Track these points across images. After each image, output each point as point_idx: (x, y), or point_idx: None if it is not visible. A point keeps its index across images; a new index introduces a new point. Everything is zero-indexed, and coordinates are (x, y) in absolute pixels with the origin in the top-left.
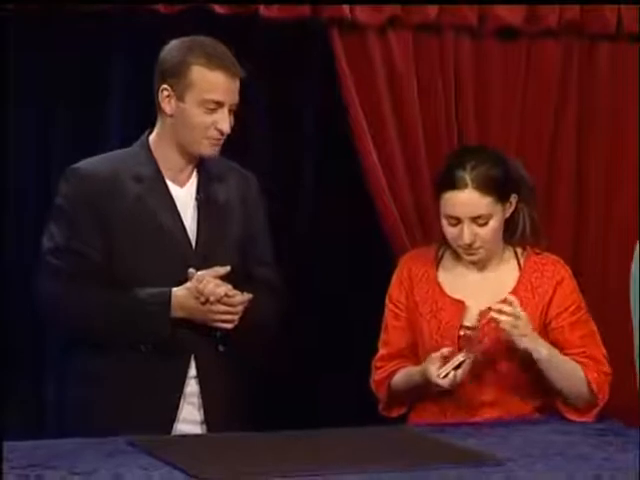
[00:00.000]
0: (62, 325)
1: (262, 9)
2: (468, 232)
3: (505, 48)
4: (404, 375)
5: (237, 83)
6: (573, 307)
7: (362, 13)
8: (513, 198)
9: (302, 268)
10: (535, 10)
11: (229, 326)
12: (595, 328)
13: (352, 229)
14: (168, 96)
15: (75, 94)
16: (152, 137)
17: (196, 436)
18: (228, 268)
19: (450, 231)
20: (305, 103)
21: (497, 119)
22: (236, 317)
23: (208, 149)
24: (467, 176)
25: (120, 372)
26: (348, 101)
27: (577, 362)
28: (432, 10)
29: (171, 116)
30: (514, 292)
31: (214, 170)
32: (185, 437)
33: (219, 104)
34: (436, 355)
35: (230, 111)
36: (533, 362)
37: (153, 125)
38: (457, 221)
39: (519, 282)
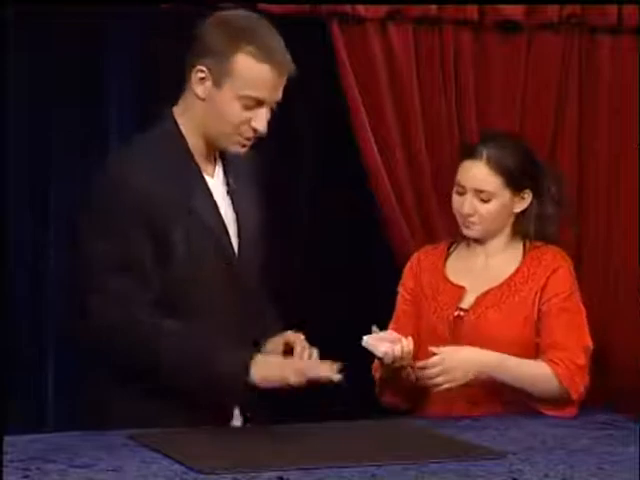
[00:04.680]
0: (123, 358)
1: (261, 6)
2: (468, 203)
3: (505, 41)
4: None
5: (284, 79)
6: (564, 294)
7: (362, 6)
8: (527, 194)
9: (302, 265)
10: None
11: None
12: (584, 320)
13: (352, 225)
14: (203, 78)
15: (75, 94)
16: (179, 117)
17: (196, 430)
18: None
19: (456, 200)
20: (305, 98)
21: (498, 113)
22: None
23: (236, 146)
24: (484, 150)
25: None
26: (348, 94)
27: (545, 358)
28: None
29: (203, 100)
30: (509, 279)
31: (236, 157)
32: (185, 431)
33: (260, 102)
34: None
35: (271, 106)
36: (528, 345)
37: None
38: (463, 190)
39: (517, 270)
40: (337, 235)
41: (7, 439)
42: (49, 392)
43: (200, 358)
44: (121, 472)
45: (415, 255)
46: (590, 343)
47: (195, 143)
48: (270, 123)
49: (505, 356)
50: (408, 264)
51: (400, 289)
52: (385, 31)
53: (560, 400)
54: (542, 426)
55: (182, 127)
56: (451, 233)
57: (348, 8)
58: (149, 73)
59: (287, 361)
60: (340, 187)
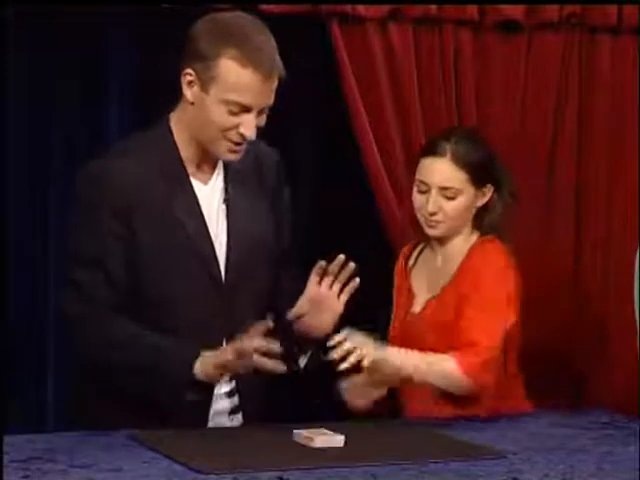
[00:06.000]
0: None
1: (262, 6)
2: (433, 201)
3: (505, 41)
4: None
5: (273, 84)
6: (478, 295)
7: (362, 6)
8: (488, 189)
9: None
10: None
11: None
12: (499, 318)
13: (352, 225)
14: (191, 82)
15: (75, 94)
16: (174, 123)
17: (196, 430)
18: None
19: (418, 199)
20: (305, 98)
21: (498, 113)
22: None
23: (226, 153)
24: (447, 146)
25: None
26: (348, 95)
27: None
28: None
29: (192, 104)
30: (450, 282)
31: (240, 163)
32: (185, 431)
33: (246, 108)
34: None
35: (261, 111)
36: None
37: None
38: (427, 188)
39: (458, 271)
40: (337, 235)
41: (7, 439)
42: (49, 392)
43: (146, 357)
44: (121, 472)
45: (402, 251)
46: (497, 342)
47: (188, 150)
48: (268, 125)
49: (422, 358)
50: (398, 260)
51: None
52: (385, 31)
53: (462, 391)
54: (542, 426)
55: (176, 133)
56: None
57: (348, 8)
58: (149, 73)
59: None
60: (340, 187)
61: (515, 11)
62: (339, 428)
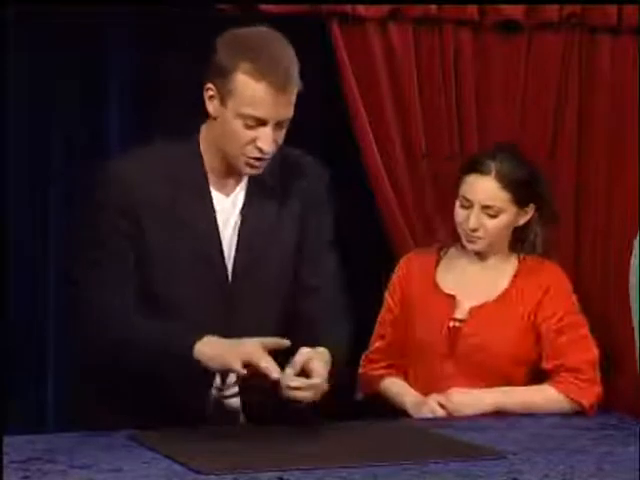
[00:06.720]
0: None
1: (262, 7)
2: (475, 218)
3: (505, 41)
4: (395, 393)
5: (290, 96)
6: (561, 313)
7: (362, 6)
8: (530, 208)
9: None
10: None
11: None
12: (585, 331)
13: (352, 225)
14: (211, 96)
15: (75, 94)
16: (203, 135)
17: (197, 429)
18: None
19: (460, 213)
20: (305, 98)
21: (497, 113)
22: None
23: (246, 167)
24: (493, 165)
25: None
26: (349, 95)
27: (552, 380)
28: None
29: (215, 118)
30: (504, 294)
31: (269, 177)
32: (185, 431)
33: (261, 121)
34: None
35: (279, 125)
36: (523, 360)
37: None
38: (469, 204)
39: (510, 285)
40: (336, 235)
41: (7, 439)
42: (49, 392)
43: (151, 340)
44: (121, 472)
45: (403, 261)
46: (594, 354)
47: (213, 162)
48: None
49: (508, 394)
50: (396, 271)
51: (387, 297)
52: (385, 31)
53: (574, 412)
54: (542, 426)
55: (202, 145)
56: (450, 233)
57: (348, 8)
58: (149, 73)
59: (233, 345)
60: (340, 187)
61: (515, 11)
62: (339, 428)
